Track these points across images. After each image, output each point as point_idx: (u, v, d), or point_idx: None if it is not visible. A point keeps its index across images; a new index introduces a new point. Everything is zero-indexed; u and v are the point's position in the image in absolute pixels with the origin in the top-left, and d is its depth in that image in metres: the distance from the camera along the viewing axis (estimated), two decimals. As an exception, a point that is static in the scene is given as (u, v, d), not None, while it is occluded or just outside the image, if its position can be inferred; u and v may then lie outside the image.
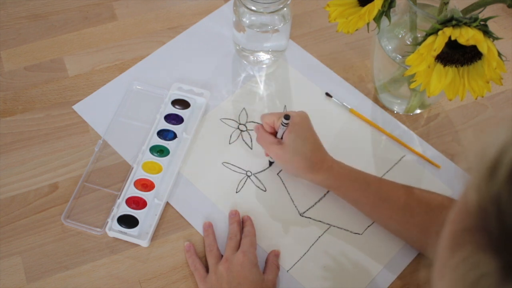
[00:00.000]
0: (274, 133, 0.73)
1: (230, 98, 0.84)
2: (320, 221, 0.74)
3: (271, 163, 0.78)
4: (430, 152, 0.80)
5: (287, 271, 0.70)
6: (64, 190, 0.75)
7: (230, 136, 0.80)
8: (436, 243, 0.61)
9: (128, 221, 0.71)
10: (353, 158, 0.74)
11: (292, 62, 0.88)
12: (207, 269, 0.68)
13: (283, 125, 0.69)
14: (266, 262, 0.70)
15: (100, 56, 0.88)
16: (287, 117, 0.68)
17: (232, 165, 0.78)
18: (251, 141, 0.80)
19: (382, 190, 0.69)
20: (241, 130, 0.81)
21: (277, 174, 0.77)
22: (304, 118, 0.72)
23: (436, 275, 0.33)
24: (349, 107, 0.83)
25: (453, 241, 0.32)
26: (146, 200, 0.73)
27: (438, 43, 0.58)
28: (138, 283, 0.68)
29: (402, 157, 0.79)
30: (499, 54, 0.58)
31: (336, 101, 0.84)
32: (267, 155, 0.76)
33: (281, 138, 0.71)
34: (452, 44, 0.59)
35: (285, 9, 0.79)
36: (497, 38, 0.59)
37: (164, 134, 0.79)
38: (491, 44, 0.58)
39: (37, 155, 0.78)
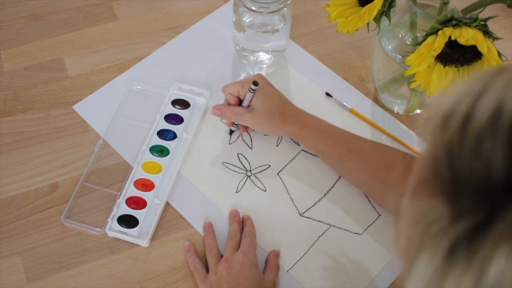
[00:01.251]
0: (238, 103, 0.75)
1: (230, 98, 0.84)
2: (320, 221, 0.74)
3: (232, 132, 0.79)
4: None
5: (287, 271, 0.70)
6: (64, 190, 0.75)
7: (230, 136, 0.80)
8: (392, 198, 0.64)
9: (128, 221, 0.71)
10: (353, 158, 0.74)
11: (292, 62, 0.88)
12: (207, 269, 0.68)
13: (250, 91, 0.72)
14: (266, 262, 0.70)
15: (100, 56, 0.88)
16: (255, 83, 0.71)
17: (232, 165, 0.78)
18: (251, 141, 0.80)
19: (350, 142, 0.72)
20: (241, 130, 0.81)
21: (277, 174, 0.77)
22: (263, 79, 0.75)
23: (398, 224, 0.35)
24: (349, 107, 0.83)
25: (413, 191, 0.34)
26: (146, 200, 0.73)
27: (438, 43, 0.58)
28: (138, 283, 0.69)
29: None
30: (499, 54, 0.58)
31: (336, 101, 0.84)
32: (230, 125, 0.78)
33: (248, 105, 0.74)
34: (452, 44, 0.59)
35: (285, 9, 0.79)
36: (497, 38, 0.59)
37: (164, 134, 0.79)
38: (491, 44, 0.58)
39: (37, 155, 0.78)
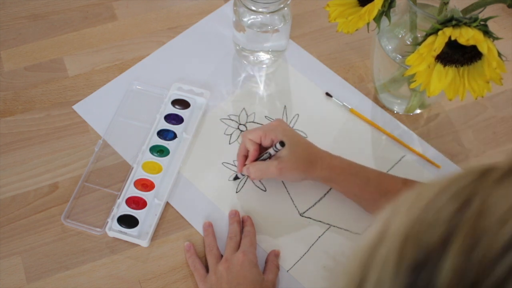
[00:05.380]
0: (257, 150, 0.71)
1: (230, 98, 0.84)
2: (320, 221, 0.74)
3: (236, 178, 0.76)
4: (430, 152, 0.80)
5: (287, 271, 0.70)
6: (64, 190, 0.75)
7: (230, 136, 0.80)
8: None
9: (128, 221, 0.71)
10: (353, 158, 0.74)
11: (292, 62, 0.88)
12: (207, 269, 0.68)
13: (275, 149, 0.68)
14: (266, 262, 0.70)
15: (100, 56, 0.88)
16: (282, 144, 0.67)
17: (232, 165, 0.78)
18: (251, 141, 0.80)
19: (382, 185, 0.70)
20: (241, 130, 0.81)
21: (277, 174, 0.77)
22: (284, 125, 0.72)
23: None
24: (349, 107, 0.83)
25: None
26: (146, 200, 0.73)
27: (438, 43, 0.58)
28: (138, 283, 0.69)
29: (402, 157, 0.79)
30: (499, 54, 0.58)
31: (336, 101, 0.84)
32: (252, 178, 0.74)
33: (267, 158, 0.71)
34: (452, 44, 0.59)
35: (285, 9, 0.79)
36: (497, 38, 0.59)
37: (164, 134, 0.79)
38: (491, 44, 0.58)
39: (37, 155, 0.78)
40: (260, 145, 0.72)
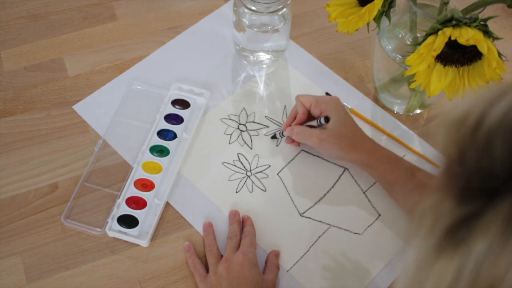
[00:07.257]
0: (306, 114, 0.75)
1: (230, 98, 0.84)
2: (320, 221, 0.74)
3: (274, 137, 0.79)
4: (430, 152, 0.80)
5: (287, 271, 0.70)
6: (64, 190, 0.75)
7: (230, 136, 0.80)
8: None
9: (128, 221, 0.71)
10: (353, 158, 0.74)
11: (292, 62, 0.88)
12: (207, 269, 0.68)
13: (318, 123, 0.72)
14: (266, 262, 0.70)
15: (100, 56, 0.88)
16: (326, 119, 0.71)
17: (232, 165, 0.78)
18: (251, 141, 0.80)
19: (417, 178, 0.70)
20: (241, 130, 0.81)
21: (277, 174, 0.77)
22: (339, 102, 0.75)
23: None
24: (349, 107, 0.83)
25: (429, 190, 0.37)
26: (146, 200, 0.73)
27: (438, 43, 0.58)
28: (138, 283, 0.69)
29: (402, 157, 0.79)
30: (499, 54, 0.58)
31: (336, 101, 0.84)
32: (289, 141, 0.78)
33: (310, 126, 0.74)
34: (452, 44, 0.59)
35: (285, 9, 0.79)
36: (497, 38, 0.59)
37: (164, 134, 0.79)
38: (491, 44, 0.58)
39: (37, 155, 0.78)
40: (309, 112, 0.74)
